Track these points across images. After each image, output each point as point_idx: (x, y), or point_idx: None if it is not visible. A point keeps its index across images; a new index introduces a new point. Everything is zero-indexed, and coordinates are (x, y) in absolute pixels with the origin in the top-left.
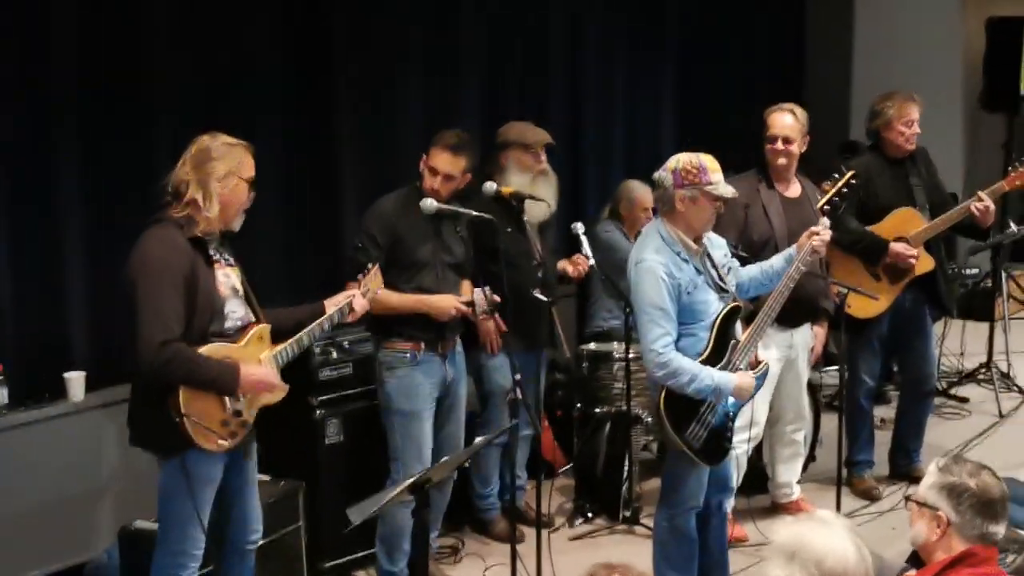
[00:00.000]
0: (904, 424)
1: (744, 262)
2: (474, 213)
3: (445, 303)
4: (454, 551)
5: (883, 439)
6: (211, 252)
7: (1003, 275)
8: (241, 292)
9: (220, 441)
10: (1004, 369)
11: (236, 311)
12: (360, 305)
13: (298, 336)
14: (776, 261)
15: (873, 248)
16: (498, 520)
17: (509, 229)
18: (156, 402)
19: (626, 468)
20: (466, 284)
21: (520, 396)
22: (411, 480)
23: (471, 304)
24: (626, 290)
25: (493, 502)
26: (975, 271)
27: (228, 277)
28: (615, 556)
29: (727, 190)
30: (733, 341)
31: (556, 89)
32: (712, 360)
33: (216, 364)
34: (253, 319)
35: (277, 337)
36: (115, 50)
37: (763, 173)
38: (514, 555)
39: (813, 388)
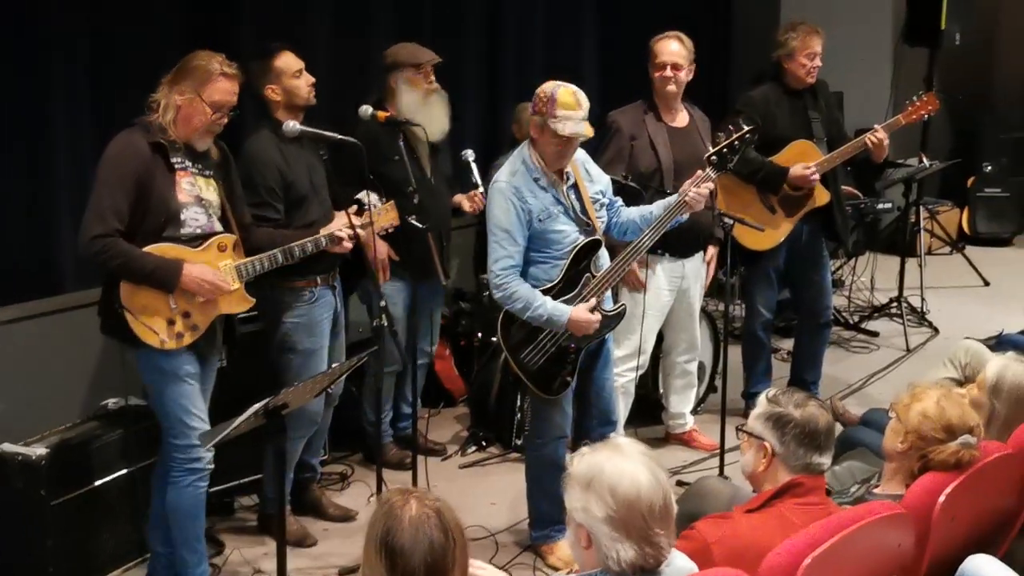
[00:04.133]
0: (801, 356)
1: (636, 194)
2: (338, 136)
3: (341, 225)
4: (342, 478)
5: (785, 371)
6: (174, 159)
7: (920, 210)
8: (210, 203)
9: (163, 339)
10: (918, 304)
11: (198, 219)
12: (349, 236)
13: (271, 252)
14: (656, 208)
15: (772, 177)
16: (389, 448)
17: (396, 157)
18: (105, 292)
19: (519, 396)
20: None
21: (386, 323)
22: (262, 404)
23: (361, 210)
24: None
25: (384, 429)
26: (888, 205)
27: (193, 186)
28: (502, 484)
29: (566, 128)
30: (587, 275)
31: (473, 24)
32: (562, 291)
33: (154, 259)
34: (219, 229)
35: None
36: None
37: (650, 104)
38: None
39: (712, 319)
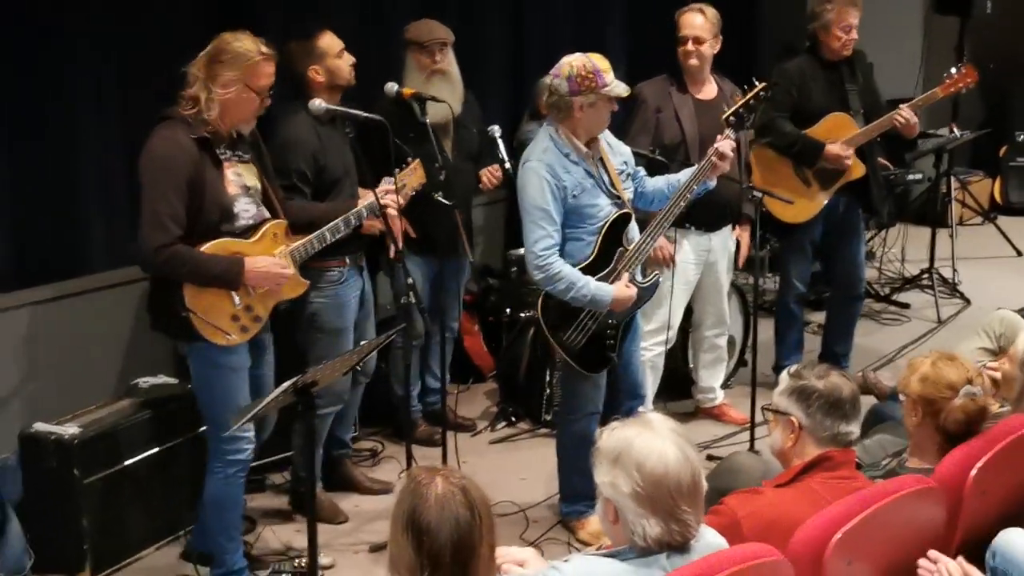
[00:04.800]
0: (832, 328)
1: (662, 167)
2: (363, 114)
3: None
4: (373, 454)
5: (816, 344)
6: (219, 151)
7: (951, 181)
8: (254, 190)
9: (229, 336)
10: (949, 275)
11: (248, 209)
12: (392, 201)
13: (319, 232)
14: (683, 175)
15: (808, 150)
16: (418, 423)
17: (412, 135)
18: (165, 296)
19: (548, 372)
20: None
21: (414, 300)
22: (291, 382)
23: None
24: None
25: (413, 404)
26: (918, 176)
27: (239, 176)
28: (532, 459)
29: (622, 89)
30: (620, 249)
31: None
32: (597, 266)
33: (218, 260)
34: (267, 216)
35: (302, 232)
36: None
37: (676, 76)
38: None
39: (742, 292)
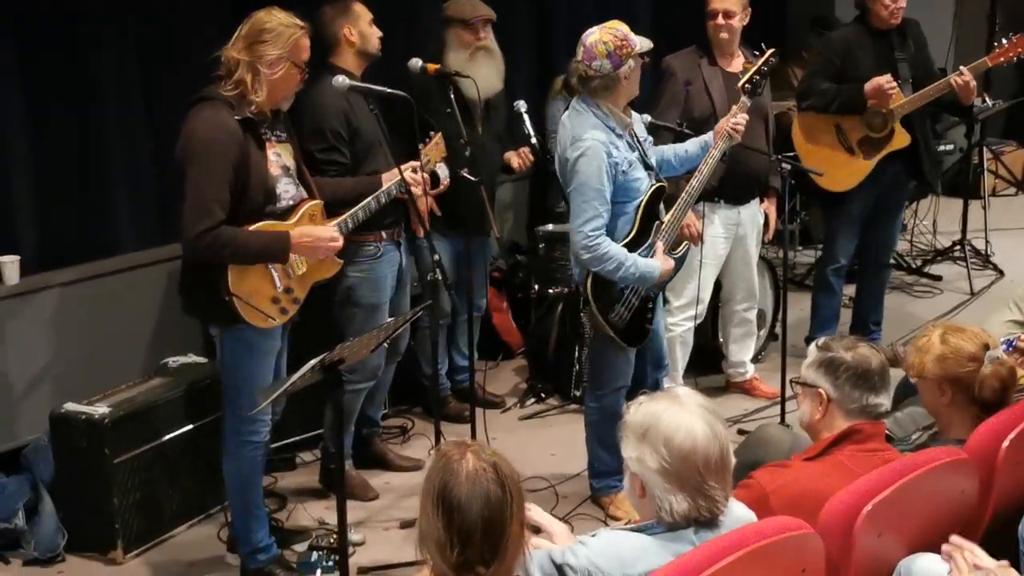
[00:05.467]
0: (863, 298)
1: (687, 139)
2: (387, 90)
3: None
4: (403, 431)
5: (847, 317)
6: (263, 131)
7: (984, 152)
8: (293, 170)
9: (270, 319)
10: (981, 247)
11: (288, 190)
12: (416, 179)
13: (353, 211)
14: (690, 145)
15: (851, 99)
16: (449, 400)
17: (449, 110)
18: (205, 281)
19: (577, 348)
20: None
21: (441, 277)
22: (318, 359)
23: (434, 173)
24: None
25: (442, 382)
26: (950, 147)
27: (279, 156)
28: (562, 435)
29: (647, 43)
30: (657, 222)
31: None
32: (638, 242)
33: (263, 235)
34: (305, 196)
35: (332, 211)
36: None
37: (705, 49)
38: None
39: (772, 266)
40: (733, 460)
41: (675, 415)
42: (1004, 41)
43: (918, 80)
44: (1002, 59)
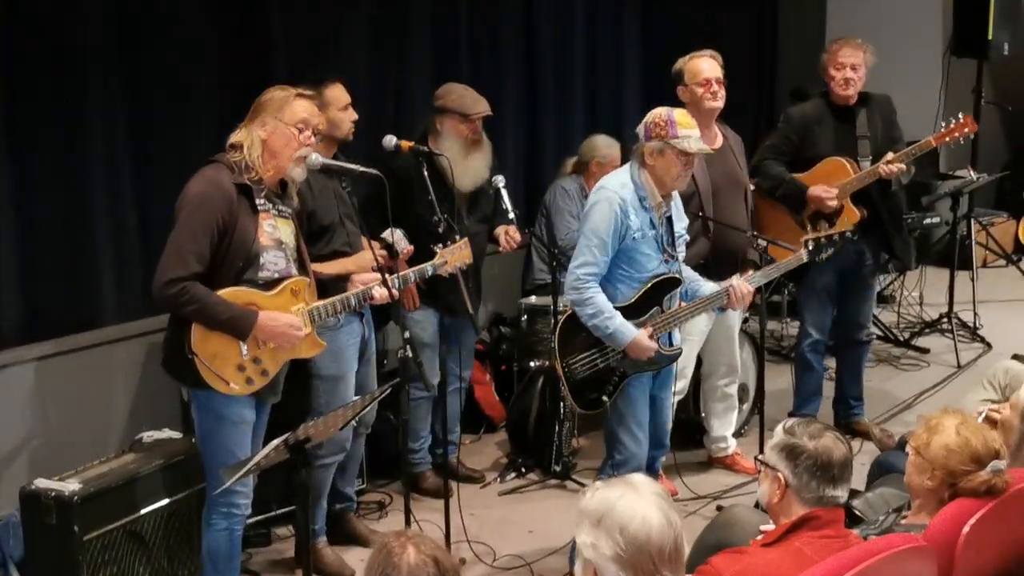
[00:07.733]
0: (842, 373)
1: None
2: (359, 168)
3: (366, 259)
4: (381, 507)
5: (831, 391)
6: (259, 200)
7: (971, 223)
8: (288, 246)
9: (232, 385)
10: (969, 319)
11: (276, 263)
12: (382, 295)
13: (343, 296)
14: (704, 288)
15: (792, 193)
16: (427, 475)
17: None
18: (176, 334)
19: (557, 423)
20: (364, 241)
21: (411, 355)
22: (282, 439)
23: (390, 247)
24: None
25: (423, 456)
26: (936, 219)
27: (275, 228)
28: (540, 511)
29: (694, 146)
30: (657, 308)
31: (512, 49)
32: (630, 313)
33: (230, 307)
34: (295, 273)
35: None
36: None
37: None
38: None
39: (754, 339)
40: (687, 550)
41: (631, 503)
42: (952, 121)
43: (881, 156)
44: (947, 139)
